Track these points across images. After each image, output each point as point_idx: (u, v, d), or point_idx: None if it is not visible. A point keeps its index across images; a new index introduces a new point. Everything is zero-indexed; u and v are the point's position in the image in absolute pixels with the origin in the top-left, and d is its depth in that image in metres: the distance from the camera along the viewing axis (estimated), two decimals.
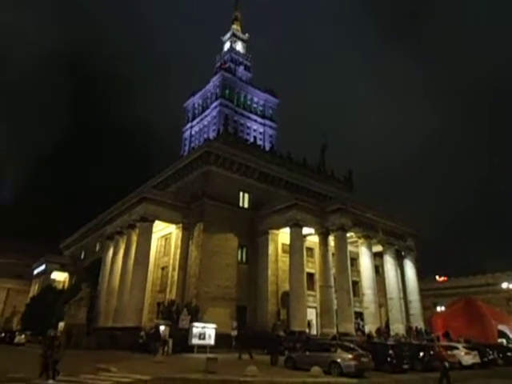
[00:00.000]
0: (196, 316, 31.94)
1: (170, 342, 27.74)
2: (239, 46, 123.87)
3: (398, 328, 40.23)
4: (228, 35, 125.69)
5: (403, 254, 46.54)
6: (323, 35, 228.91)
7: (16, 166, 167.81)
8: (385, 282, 43.75)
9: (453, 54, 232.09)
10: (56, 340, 15.93)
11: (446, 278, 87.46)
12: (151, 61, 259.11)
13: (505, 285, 58.04)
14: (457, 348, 25.64)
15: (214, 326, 30.31)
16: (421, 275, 50.54)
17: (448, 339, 33.62)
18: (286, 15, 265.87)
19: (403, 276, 46.01)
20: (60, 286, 64.77)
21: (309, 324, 37.85)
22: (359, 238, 41.13)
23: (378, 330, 36.04)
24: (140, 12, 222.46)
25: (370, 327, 37.19)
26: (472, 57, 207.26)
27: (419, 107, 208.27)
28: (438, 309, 65.26)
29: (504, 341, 41.31)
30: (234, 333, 30.80)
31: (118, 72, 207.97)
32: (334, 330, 35.39)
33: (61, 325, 36.73)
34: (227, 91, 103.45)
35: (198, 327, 29.43)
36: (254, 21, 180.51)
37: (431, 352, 22.35)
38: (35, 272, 76.66)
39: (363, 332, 36.18)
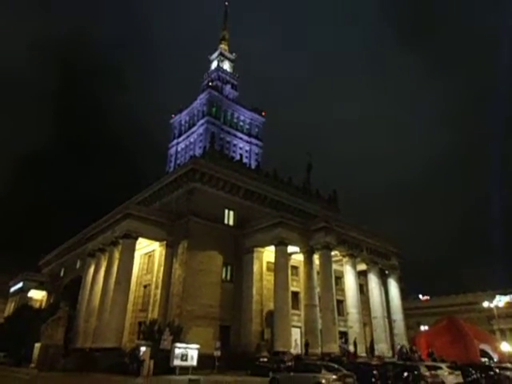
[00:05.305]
0: (178, 336, 31.15)
1: (151, 363, 26.92)
2: (226, 65, 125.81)
3: (382, 348, 40.08)
4: (215, 54, 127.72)
5: (387, 272, 46.79)
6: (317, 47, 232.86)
7: None
8: (369, 300, 43.78)
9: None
10: None
11: (428, 297, 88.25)
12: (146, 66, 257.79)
13: (486, 304, 58.94)
14: (440, 368, 25.64)
15: (196, 346, 29.65)
16: (405, 294, 50.86)
17: (432, 359, 33.73)
18: (275, 33, 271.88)
19: (387, 295, 46.13)
20: (37, 305, 62.51)
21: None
22: (344, 256, 41.28)
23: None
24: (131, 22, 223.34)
25: (353, 347, 36.98)
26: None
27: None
28: (422, 328, 65.53)
29: (486, 360, 41.65)
30: (218, 353, 30.20)
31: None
32: (319, 350, 35.04)
33: (37, 345, 35.32)
34: (214, 109, 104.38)
35: (180, 348, 28.72)
36: (242, 40, 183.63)
37: (415, 372, 22.31)
38: (12, 290, 73.97)
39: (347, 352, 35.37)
